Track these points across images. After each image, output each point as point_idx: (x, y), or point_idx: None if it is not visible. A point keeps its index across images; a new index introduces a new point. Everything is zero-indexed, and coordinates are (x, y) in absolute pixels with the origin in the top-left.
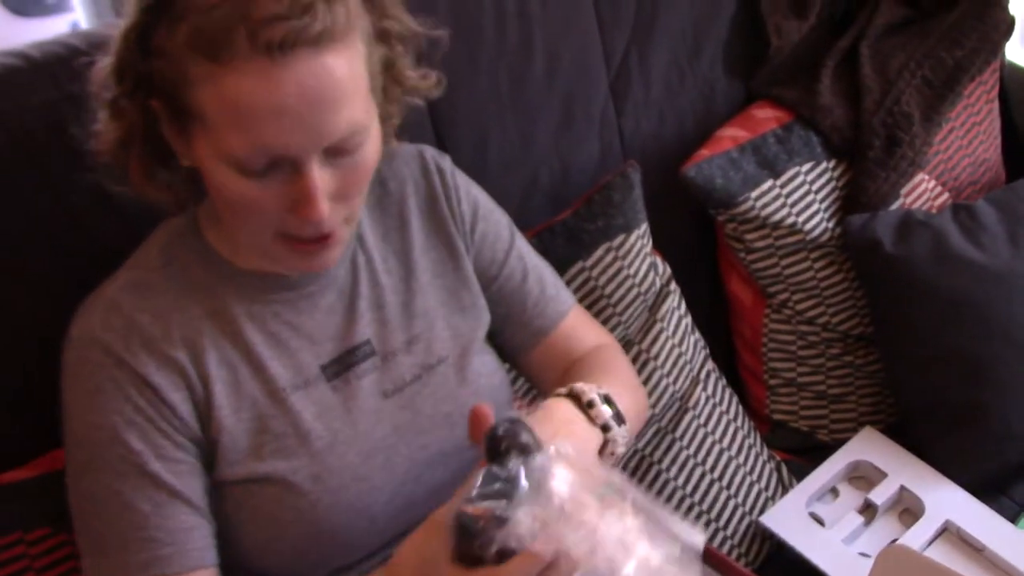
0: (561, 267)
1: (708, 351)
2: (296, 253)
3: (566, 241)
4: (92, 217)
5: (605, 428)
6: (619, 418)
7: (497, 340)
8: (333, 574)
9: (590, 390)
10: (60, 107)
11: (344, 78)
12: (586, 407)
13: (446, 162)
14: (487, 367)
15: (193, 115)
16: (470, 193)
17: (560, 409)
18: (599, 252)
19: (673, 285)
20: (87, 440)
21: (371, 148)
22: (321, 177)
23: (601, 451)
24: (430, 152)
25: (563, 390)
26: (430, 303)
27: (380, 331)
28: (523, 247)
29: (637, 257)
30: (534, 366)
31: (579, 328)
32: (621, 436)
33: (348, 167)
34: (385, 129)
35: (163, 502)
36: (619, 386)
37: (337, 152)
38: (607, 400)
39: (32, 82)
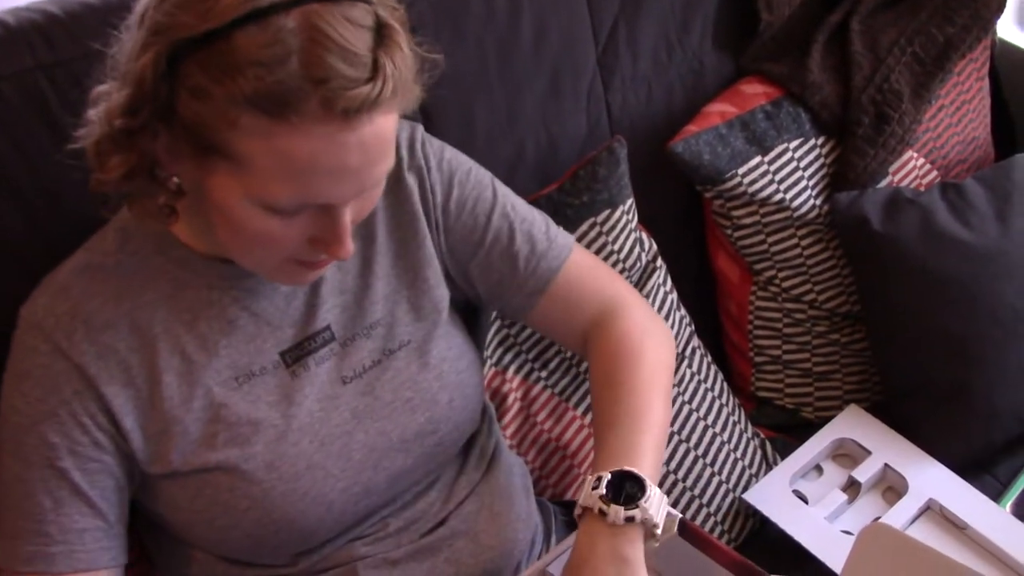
0: None
1: (694, 327)
2: (300, 271)
3: (551, 216)
4: (67, 186)
5: (643, 521)
6: (639, 499)
7: (497, 304)
8: (295, 558)
9: (609, 508)
10: (36, 75)
11: (393, 130)
12: (611, 526)
13: (416, 132)
14: (453, 350)
15: (224, 154)
16: (443, 160)
17: (585, 563)
18: (584, 227)
19: (659, 261)
20: (5, 421)
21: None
22: (348, 215)
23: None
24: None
25: (579, 509)
26: (392, 286)
27: (341, 316)
28: (508, 203)
29: (622, 233)
30: (541, 324)
31: (582, 280)
32: (651, 509)
33: (367, 197)
34: None
35: (64, 499)
36: (633, 399)
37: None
38: (627, 497)
39: (6, 49)
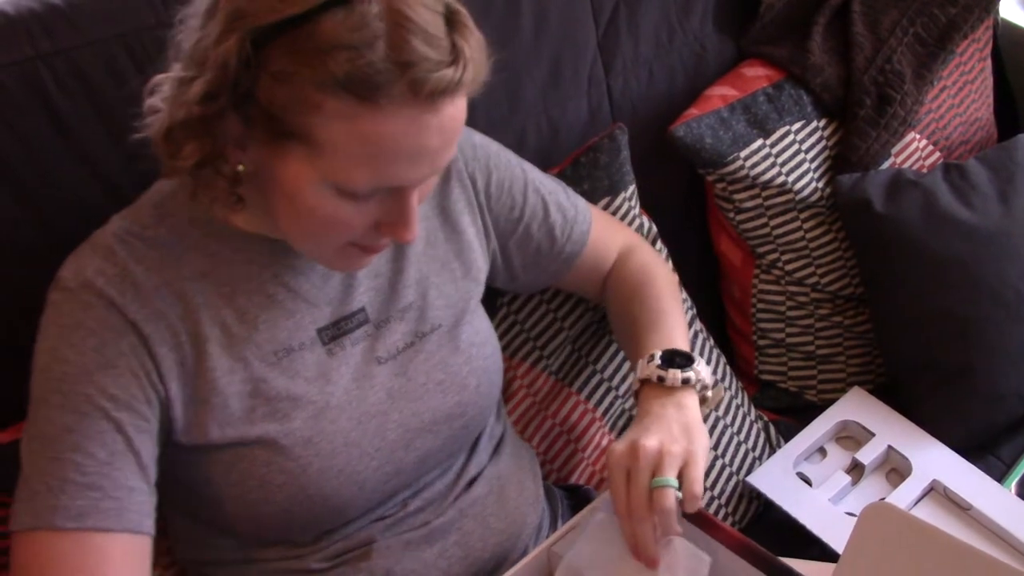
0: None
1: (696, 311)
2: (358, 255)
3: None
4: (69, 177)
5: (697, 382)
6: (689, 366)
7: (530, 274)
8: (321, 536)
9: (667, 373)
10: (35, 64)
11: (465, 112)
12: (669, 390)
13: None
14: (480, 335)
15: (301, 139)
16: (476, 147)
17: (655, 413)
18: None
19: (660, 245)
20: (50, 373)
21: None
22: (416, 198)
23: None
24: None
25: (636, 384)
26: (423, 272)
27: (375, 299)
28: (534, 177)
29: (624, 219)
30: (573, 284)
31: (603, 237)
32: (703, 372)
33: (431, 180)
34: None
35: (118, 453)
36: (659, 304)
37: None
38: (679, 365)
39: (6, 39)
